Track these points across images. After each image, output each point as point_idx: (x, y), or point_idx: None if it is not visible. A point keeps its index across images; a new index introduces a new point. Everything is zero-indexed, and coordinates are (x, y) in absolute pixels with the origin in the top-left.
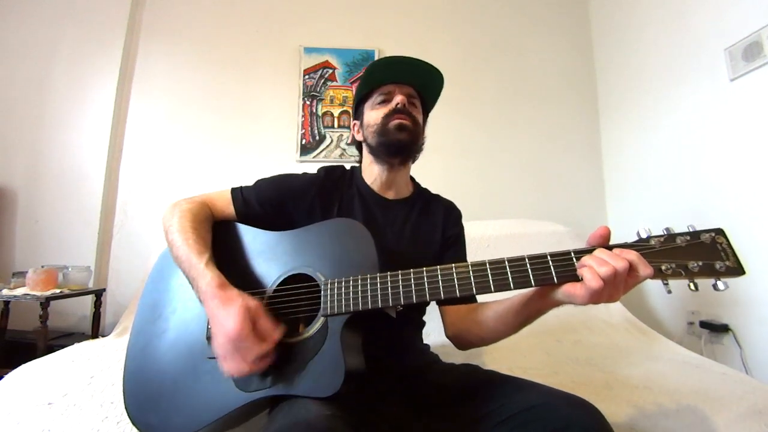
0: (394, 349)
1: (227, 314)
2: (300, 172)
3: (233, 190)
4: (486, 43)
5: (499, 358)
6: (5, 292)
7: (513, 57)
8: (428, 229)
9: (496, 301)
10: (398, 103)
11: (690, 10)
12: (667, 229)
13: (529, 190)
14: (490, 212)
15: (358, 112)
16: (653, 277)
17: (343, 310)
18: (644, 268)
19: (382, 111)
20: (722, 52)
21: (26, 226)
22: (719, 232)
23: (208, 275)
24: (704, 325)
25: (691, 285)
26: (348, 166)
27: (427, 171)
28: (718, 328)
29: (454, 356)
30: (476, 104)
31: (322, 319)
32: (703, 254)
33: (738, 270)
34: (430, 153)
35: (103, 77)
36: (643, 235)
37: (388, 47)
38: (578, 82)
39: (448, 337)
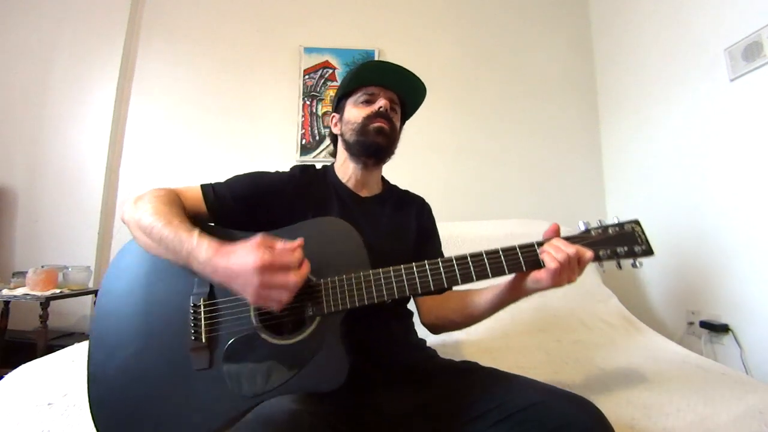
0: (388, 344)
1: (239, 256)
2: (272, 170)
3: (203, 186)
4: (486, 43)
5: (499, 357)
6: (5, 292)
7: (513, 57)
8: (403, 223)
9: (469, 290)
10: (381, 107)
11: (690, 10)
12: (600, 220)
13: (529, 190)
14: (490, 212)
15: (339, 106)
16: (593, 260)
17: (340, 308)
18: (586, 252)
19: (365, 111)
20: (722, 52)
21: (26, 226)
22: (636, 222)
23: (204, 243)
24: (704, 325)
25: (617, 264)
26: (319, 166)
27: (428, 171)
28: (718, 328)
29: (452, 354)
30: (476, 104)
31: (318, 318)
32: (627, 240)
33: (649, 251)
34: (430, 153)
35: (103, 77)
36: (583, 228)
37: (388, 47)
38: (578, 82)
39: (423, 323)
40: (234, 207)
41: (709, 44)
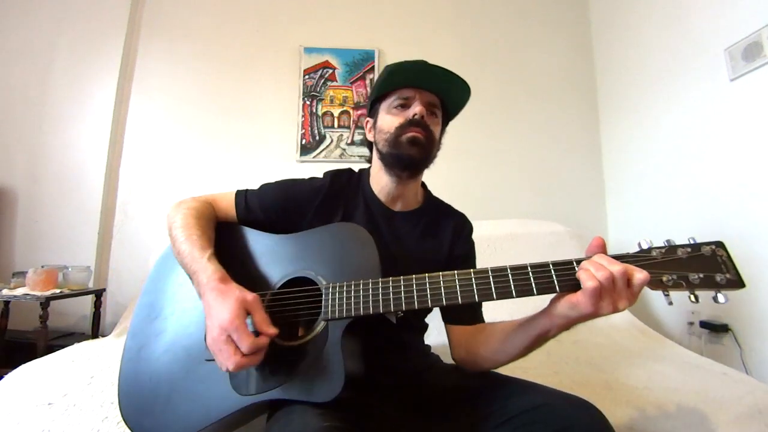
0: (395, 353)
1: (223, 305)
2: (307, 176)
3: (237, 194)
4: (486, 43)
5: None
6: (5, 292)
7: (513, 57)
8: (433, 246)
9: (503, 322)
10: (416, 114)
11: (690, 10)
12: (668, 240)
13: (529, 190)
14: (490, 212)
15: (372, 110)
16: (654, 287)
17: (344, 315)
18: (639, 272)
19: (398, 119)
20: (722, 52)
21: (26, 226)
22: (719, 245)
23: (210, 268)
24: (704, 325)
25: (692, 297)
26: (356, 169)
27: (427, 171)
28: (718, 328)
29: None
30: (476, 104)
31: (322, 323)
32: (704, 266)
33: (738, 283)
34: None
35: (103, 77)
36: (645, 246)
37: (388, 47)
38: (578, 82)
39: (454, 359)
40: (261, 217)
41: (709, 44)
